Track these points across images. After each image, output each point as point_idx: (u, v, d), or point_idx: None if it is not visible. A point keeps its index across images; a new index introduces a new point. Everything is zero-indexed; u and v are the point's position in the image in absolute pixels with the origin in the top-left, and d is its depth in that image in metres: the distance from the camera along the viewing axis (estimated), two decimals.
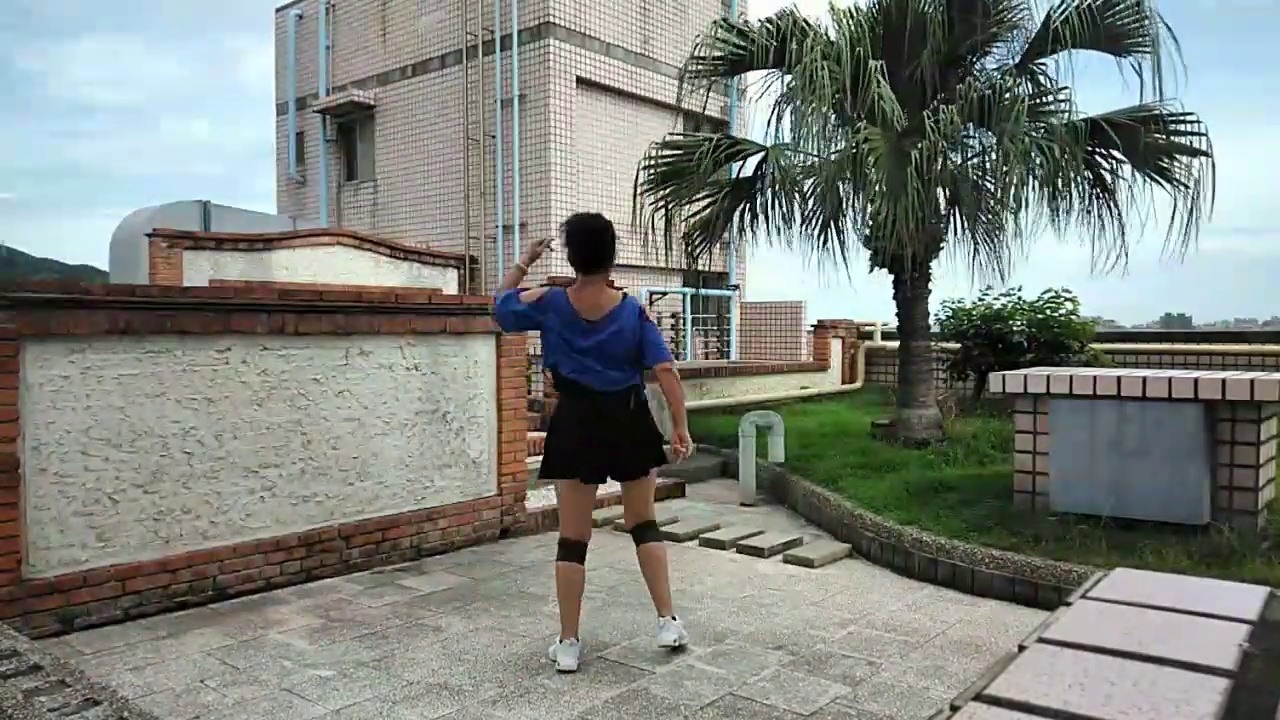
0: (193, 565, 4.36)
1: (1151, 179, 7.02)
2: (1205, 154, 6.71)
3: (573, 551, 3.70)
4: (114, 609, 4.09)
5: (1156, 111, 6.79)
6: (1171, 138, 6.84)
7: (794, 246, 8.01)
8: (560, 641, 3.64)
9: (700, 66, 8.09)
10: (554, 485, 3.84)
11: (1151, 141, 6.79)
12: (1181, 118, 6.78)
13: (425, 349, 5.42)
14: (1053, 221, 7.32)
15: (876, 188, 6.60)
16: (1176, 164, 6.89)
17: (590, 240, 3.63)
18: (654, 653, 3.74)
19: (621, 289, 3.88)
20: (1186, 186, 6.79)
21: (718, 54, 8.04)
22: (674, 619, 3.75)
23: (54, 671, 2.54)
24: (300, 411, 4.81)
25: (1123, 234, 7.28)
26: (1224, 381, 4.63)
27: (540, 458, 3.83)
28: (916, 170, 6.40)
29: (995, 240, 7.66)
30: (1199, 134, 6.75)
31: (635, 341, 3.67)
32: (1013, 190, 6.82)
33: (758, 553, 5.45)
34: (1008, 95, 6.75)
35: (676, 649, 3.72)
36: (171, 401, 4.31)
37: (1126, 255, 7.29)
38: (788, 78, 7.46)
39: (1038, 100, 7.31)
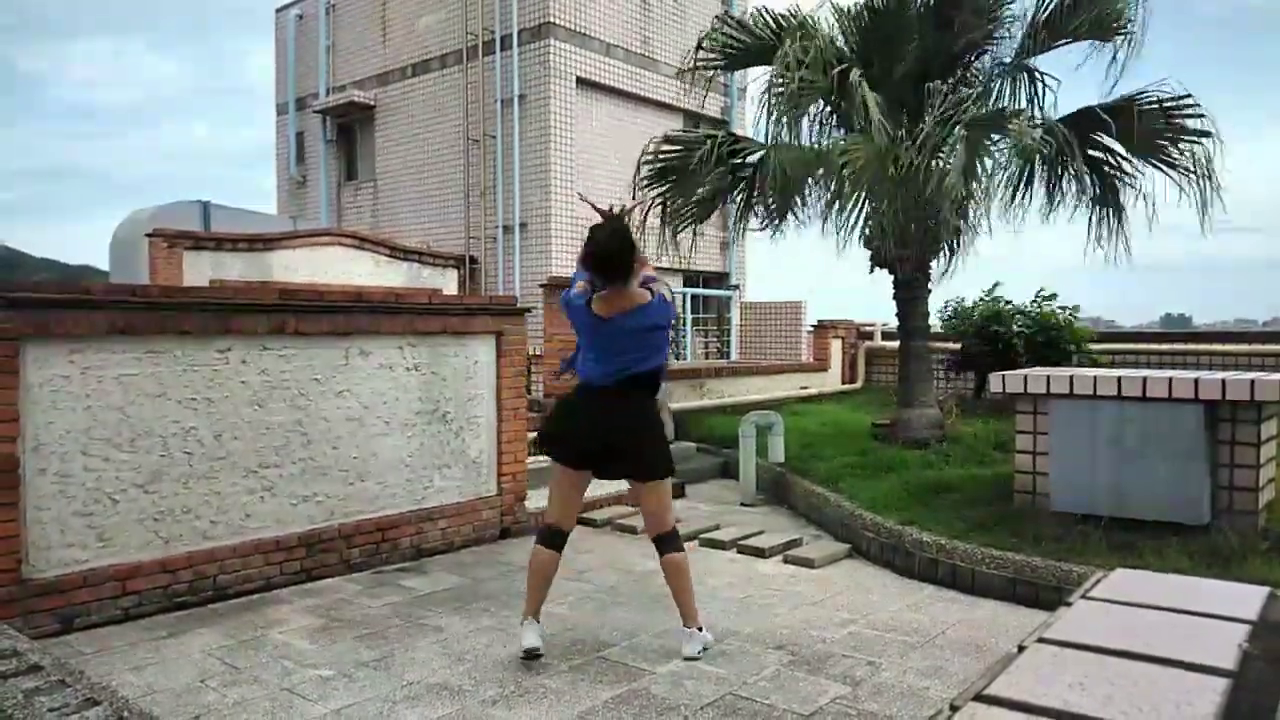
0: (193, 565, 4.35)
1: (1155, 167, 6.99)
2: (1208, 134, 6.62)
3: (551, 537, 3.81)
4: (114, 609, 4.09)
5: (1154, 96, 6.75)
6: (1171, 121, 6.79)
7: (790, 243, 8.05)
8: (522, 621, 3.72)
9: (701, 60, 8.08)
10: (550, 468, 3.93)
11: (1150, 127, 6.75)
12: (1180, 100, 6.72)
13: (425, 349, 5.42)
14: (1045, 216, 7.32)
15: (860, 192, 6.61)
16: (1179, 150, 6.83)
17: (611, 258, 3.70)
18: (654, 652, 3.74)
19: (653, 291, 3.87)
20: (1194, 173, 6.73)
21: (719, 48, 8.03)
22: (699, 629, 3.74)
23: (54, 671, 2.54)
24: (300, 411, 4.81)
25: (1122, 223, 7.24)
26: (1224, 382, 4.63)
27: (541, 457, 3.92)
28: (899, 172, 6.39)
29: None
30: (1200, 115, 6.68)
31: (659, 329, 3.77)
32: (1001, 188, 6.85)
33: (758, 553, 5.45)
34: (993, 95, 6.76)
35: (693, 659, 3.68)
36: (172, 401, 4.31)
37: (1128, 247, 7.25)
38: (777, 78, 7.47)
39: (1029, 97, 7.35)
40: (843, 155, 6.57)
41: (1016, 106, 7.45)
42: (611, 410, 3.72)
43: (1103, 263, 7.25)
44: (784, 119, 6.90)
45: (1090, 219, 7.30)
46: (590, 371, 3.79)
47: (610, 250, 3.71)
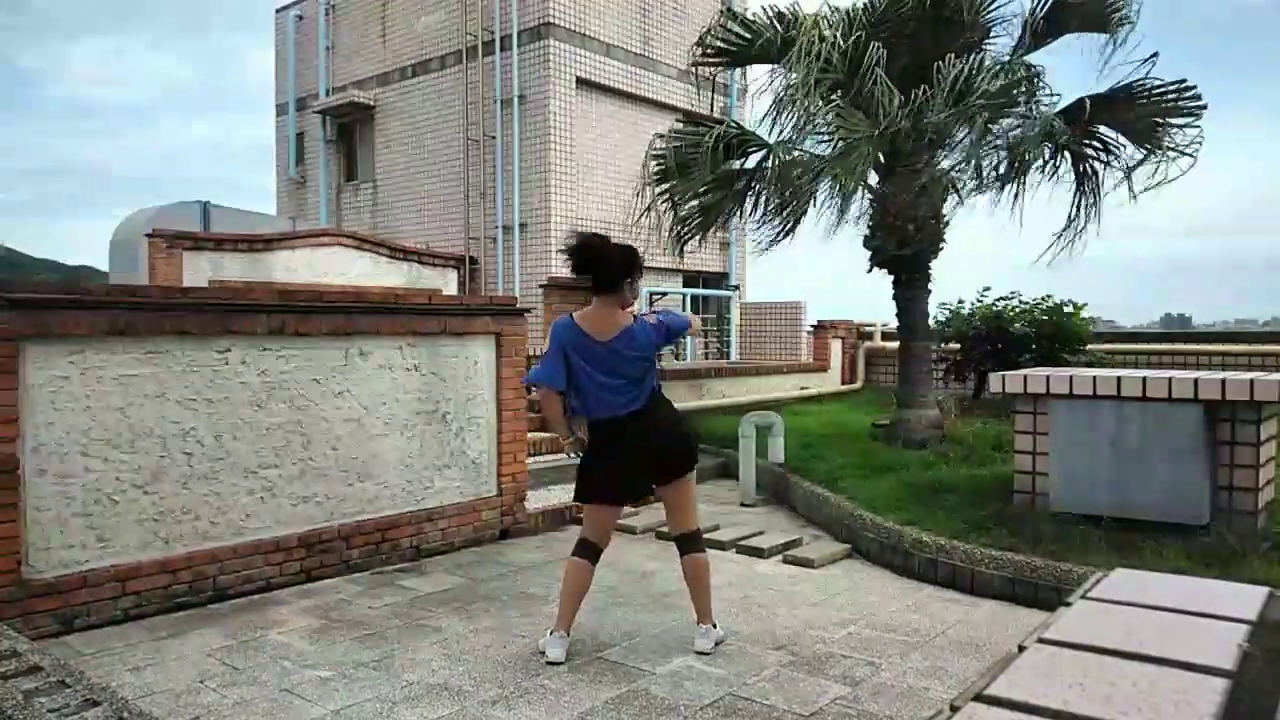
0: (193, 566, 4.35)
1: (1147, 149, 7.08)
2: (1202, 109, 6.75)
3: (588, 551, 3.80)
4: (114, 609, 4.09)
5: (1148, 82, 6.86)
6: (1159, 104, 6.89)
7: (793, 242, 8.02)
8: (550, 634, 3.71)
9: (704, 57, 8.07)
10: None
11: (1144, 109, 6.83)
12: (1173, 86, 6.82)
13: (425, 349, 5.42)
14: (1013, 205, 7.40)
15: (862, 179, 6.62)
16: (1169, 132, 6.96)
17: (600, 264, 3.67)
18: (654, 653, 3.74)
19: (635, 313, 3.84)
20: (1187, 155, 6.83)
21: (721, 45, 8.03)
22: (713, 626, 3.80)
23: (54, 672, 2.54)
24: (300, 412, 4.81)
25: (1089, 220, 7.34)
26: (1224, 382, 4.63)
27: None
28: (901, 160, 6.42)
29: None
30: (1196, 100, 6.80)
31: (650, 354, 3.72)
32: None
33: (758, 553, 5.45)
34: (992, 87, 6.81)
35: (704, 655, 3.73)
36: (171, 402, 4.31)
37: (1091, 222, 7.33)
38: (792, 75, 7.47)
39: (1025, 90, 7.41)
40: (855, 130, 6.54)
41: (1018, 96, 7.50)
42: (646, 428, 3.67)
43: (1069, 259, 7.42)
44: (799, 108, 6.89)
45: (1070, 212, 7.45)
46: (603, 407, 3.66)
47: (600, 252, 3.66)
